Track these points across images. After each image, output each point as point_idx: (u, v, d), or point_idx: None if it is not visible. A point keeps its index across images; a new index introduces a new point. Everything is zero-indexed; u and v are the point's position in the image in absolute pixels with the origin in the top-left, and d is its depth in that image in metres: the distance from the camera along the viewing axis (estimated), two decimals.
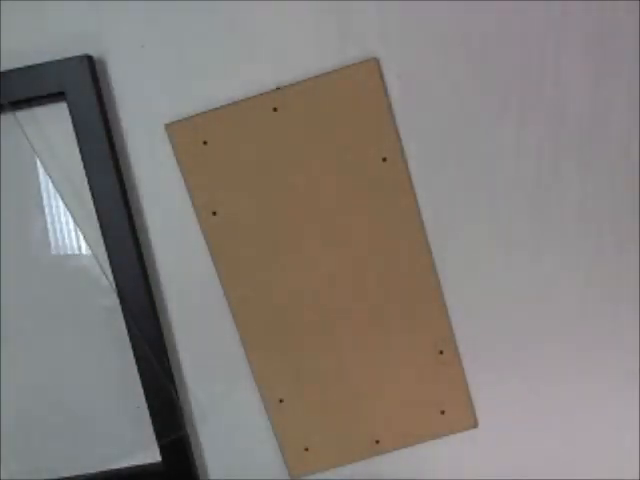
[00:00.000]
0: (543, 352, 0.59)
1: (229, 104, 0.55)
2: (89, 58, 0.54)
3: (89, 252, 0.58)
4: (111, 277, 0.57)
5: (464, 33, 0.54)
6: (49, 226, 0.59)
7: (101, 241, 0.56)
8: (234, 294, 0.58)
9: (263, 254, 0.57)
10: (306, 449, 0.60)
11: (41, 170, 0.58)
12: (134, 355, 0.57)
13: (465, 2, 0.54)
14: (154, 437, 0.59)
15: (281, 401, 0.59)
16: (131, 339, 0.57)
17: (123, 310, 0.57)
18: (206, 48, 0.55)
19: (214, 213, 0.56)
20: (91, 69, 0.54)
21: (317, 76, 0.54)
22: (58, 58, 0.54)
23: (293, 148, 0.55)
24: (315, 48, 0.55)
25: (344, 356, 0.58)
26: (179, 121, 0.55)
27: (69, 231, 0.59)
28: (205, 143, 0.55)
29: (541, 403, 0.60)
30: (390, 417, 0.59)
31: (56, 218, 0.59)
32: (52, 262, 0.59)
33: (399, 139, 0.55)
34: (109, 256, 0.56)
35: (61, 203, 0.58)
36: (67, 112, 0.55)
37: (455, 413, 0.59)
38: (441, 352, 0.58)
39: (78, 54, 0.54)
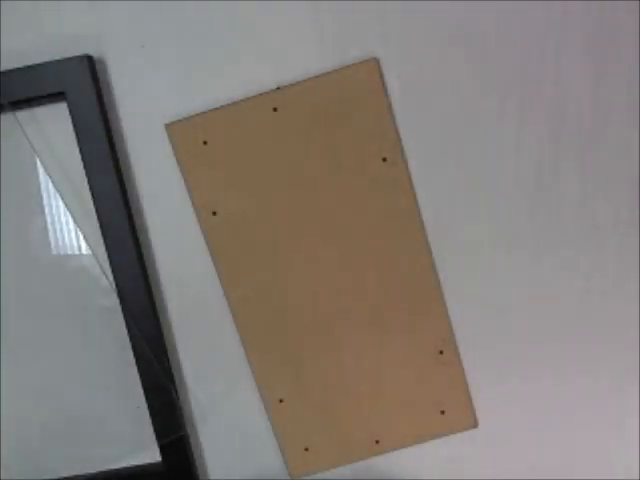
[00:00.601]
0: (543, 352, 0.59)
1: (229, 104, 0.55)
2: (89, 58, 0.54)
3: (89, 252, 0.58)
4: (111, 277, 0.57)
5: (464, 33, 0.54)
6: (49, 226, 0.59)
7: (101, 241, 0.56)
8: (234, 294, 0.58)
9: (263, 254, 0.57)
10: (306, 449, 0.60)
11: (41, 170, 0.58)
12: (134, 355, 0.57)
13: (465, 2, 0.54)
14: (154, 437, 0.59)
15: (281, 401, 0.59)
16: (131, 339, 0.57)
17: (123, 310, 0.57)
18: (206, 48, 0.55)
19: (214, 213, 0.56)
20: (91, 69, 0.54)
21: (317, 76, 0.54)
22: (58, 58, 0.54)
23: (293, 148, 0.55)
24: (315, 48, 0.55)
25: (344, 356, 0.58)
26: (179, 121, 0.55)
27: (69, 231, 0.59)
28: (205, 143, 0.55)
29: (541, 403, 0.60)
30: (390, 417, 0.59)
31: (56, 218, 0.59)
32: (52, 262, 0.59)
33: (399, 139, 0.55)
34: (109, 256, 0.56)
35: (61, 203, 0.58)
36: (67, 112, 0.55)
37: (455, 413, 0.59)
38: (441, 352, 0.58)
39: (78, 54, 0.54)
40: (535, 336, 0.59)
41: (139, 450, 0.61)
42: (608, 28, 0.53)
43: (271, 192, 0.56)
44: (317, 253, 0.57)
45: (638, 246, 0.57)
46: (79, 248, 0.59)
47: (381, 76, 0.54)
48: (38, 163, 0.57)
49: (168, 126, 0.55)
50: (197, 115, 0.55)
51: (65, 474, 0.62)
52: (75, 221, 0.58)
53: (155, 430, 0.58)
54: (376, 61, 0.54)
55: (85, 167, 0.55)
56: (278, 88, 0.55)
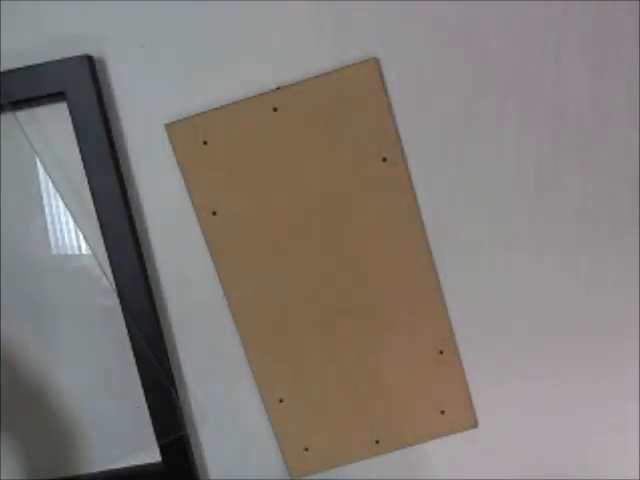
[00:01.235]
0: (543, 352, 0.59)
1: (229, 104, 0.55)
2: (89, 58, 0.54)
3: (89, 252, 0.58)
4: (111, 277, 0.57)
5: (464, 33, 0.54)
6: (49, 226, 0.59)
7: (101, 241, 0.56)
8: (234, 294, 0.58)
9: (263, 254, 0.57)
10: (306, 449, 0.60)
11: (41, 170, 0.58)
12: (134, 355, 0.57)
13: (465, 2, 0.54)
14: (154, 437, 0.59)
15: (281, 401, 0.59)
16: (131, 339, 0.57)
17: (123, 310, 0.57)
18: (206, 48, 0.55)
19: (214, 213, 0.56)
20: (91, 69, 0.54)
21: (317, 76, 0.54)
22: (58, 58, 0.54)
23: (293, 148, 0.55)
24: (315, 48, 0.55)
25: (344, 356, 0.58)
26: (179, 121, 0.55)
27: (69, 231, 0.59)
28: (205, 143, 0.55)
29: (541, 403, 0.60)
30: (390, 417, 0.59)
31: (56, 218, 0.59)
32: (52, 262, 0.59)
33: (399, 139, 0.55)
34: (109, 256, 0.56)
35: (61, 203, 0.58)
36: (67, 112, 0.55)
37: (455, 413, 0.59)
38: (441, 352, 0.58)
39: (78, 54, 0.54)
40: (535, 336, 0.59)
41: (139, 450, 0.61)
42: (608, 28, 0.53)
43: (271, 192, 0.56)
44: (317, 253, 0.57)
45: (638, 246, 0.57)
46: (79, 248, 0.59)
47: (381, 76, 0.54)
48: (38, 163, 0.57)
49: (168, 126, 0.55)
50: (197, 115, 0.55)
51: (65, 474, 0.62)
52: (75, 221, 0.58)
53: (155, 430, 0.58)
54: (376, 61, 0.54)
55: (85, 167, 0.55)
56: (278, 88, 0.55)
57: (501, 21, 0.54)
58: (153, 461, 0.61)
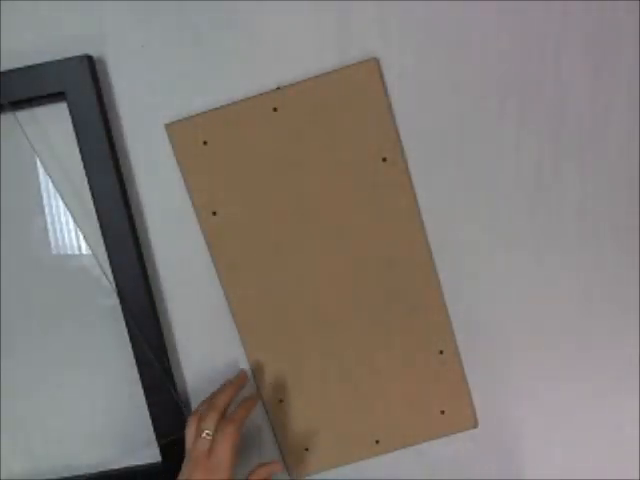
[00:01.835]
0: (543, 352, 0.59)
1: (229, 104, 0.55)
2: (89, 58, 0.54)
3: (89, 252, 0.58)
4: (111, 277, 0.57)
5: (464, 33, 0.54)
6: (49, 226, 0.59)
7: (101, 241, 0.56)
8: (234, 294, 0.58)
9: (263, 254, 0.57)
10: (306, 449, 0.60)
11: (41, 170, 0.58)
12: (134, 355, 0.57)
13: (465, 2, 0.54)
14: (154, 437, 0.59)
15: (281, 401, 0.59)
16: (131, 339, 0.57)
17: (123, 310, 0.57)
18: (206, 48, 0.55)
19: (214, 213, 0.56)
20: (91, 69, 0.54)
21: (317, 76, 0.54)
22: (58, 58, 0.54)
23: (293, 148, 0.55)
24: (315, 48, 0.55)
25: (344, 356, 0.58)
26: (179, 121, 0.55)
27: (69, 231, 0.59)
28: (205, 143, 0.55)
29: (541, 403, 0.60)
30: (390, 417, 0.59)
31: (56, 218, 0.59)
32: (52, 262, 0.59)
33: (399, 139, 0.55)
34: (109, 256, 0.56)
35: (61, 203, 0.58)
36: (67, 112, 0.55)
37: (455, 413, 0.59)
38: (441, 352, 0.58)
39: (78, 54, 0.54)
40: (535, 336, 0.59)
41: (139, 450, 0.61)
42: (608, 28, 0.53)
43: (271, 192, 0.56)
44: (317, 253, 0.57)
45: (638, 246, 0.57)
46: (79, 248, 0.59)
47: (381, 76, 0.54)
48: (38, 163, 0.57)
49: (168, 126, 0.55)
50: (197, 115, 0.55)
51: (65, 474, 0.62)
52: (75, 221, 0.58)
53: (155, 430, 0.58)
54: (376, 61, 0.54)
55: (85, 167, 0.55)
56: (278, 88, 0.55)
57: (501, 21, 0.54)
58: (153, 461, 0.61)
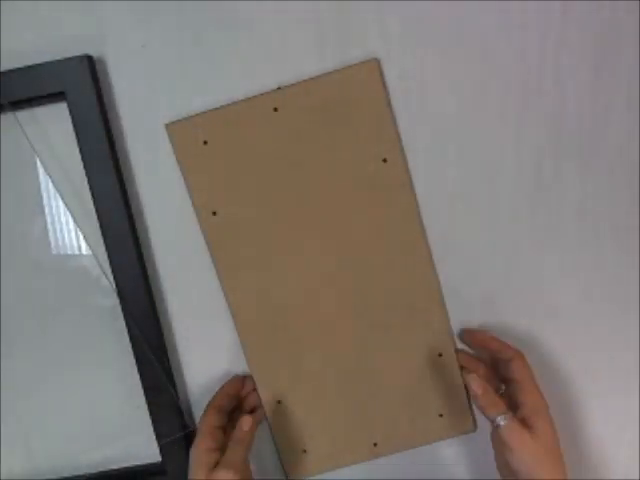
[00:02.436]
0: (543, 353, 0.59)
1: (229, 104, 0.55)
2: (89, 58, 0.54)
3: (89, 252, 0.58)
4: (111, 277, 0.57)
5: (464, 33, 0.54)
6: (49, 226, 0.59)
7: (101, 241, 0.56)
8: (234, 295, 0.58)
9: (263, 254, 0.57)
10: (304, 451, 0.60)
11: (41, 170, 0.58)
12: (134, 355, 0.57)
13: (465, 2, 0.54)
14: (154, 437, 0.59)
15: (279, 402, 0.59)
16: (131, 339, 0.57)
17: (123, 310, 0.57)
18: (206, 48, 0.55)
19: (214, 213, 0.56)
20: (91, 69, 0.54)
21: (318, 76, 0.54)
22: (58, 58, 0.54)
23: (293, 148, 0.55)
24: (315, 48, 0.55)
25: (343, 357, 0.58)
26: (179, 121, 0.55)
27: (69, 231, 0.59)
28: (205, 143, 0.55)
29: None
30: (388, 420, 0.59)
31: (56, 218, 0.59)
32: (52, 262, 0.59)
33: (399, 140, 0.55)
34: (109, 256, 0.56)
35: (61, 203, 0.58)
36: (67, 112, 0.55)
37: (454, 416, 0.59)
38: (440, 355, 0.58)
39: (78, 54, 0.54)
40: (535, 337, 0.59)
41: (139, 450, 0.61)
42: (608, 28, 0.53)
43: (271, 192, 0.56)
44: (317, 253, 0.57)
45: (638, 246, 0.57)
46: (79, 248, 0.59)
47: (381, 76, 0.54)
48: (38, 163, 0.57)
49: (168, 126, 0.55)
50: (197, 115, 0.55)
51: (65, 474, 0.62)
52: (75, 221, 0.58)
53: (155, 430, 0.58)
54: (377, 61, 0.54)
55: (85, 167, 0.55)
56: (279, 88, 0.55)
57: (501, 21, 0.54)
58: (153, 461, 0.61)
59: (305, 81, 0.54)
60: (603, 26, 0.53)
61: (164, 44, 0.55)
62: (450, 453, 0.61)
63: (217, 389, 0.57)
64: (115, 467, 0.62)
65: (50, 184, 0.58)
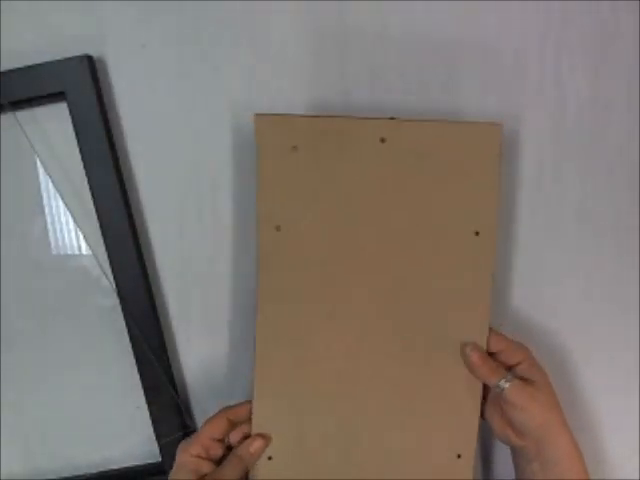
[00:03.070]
0: (543, 353, 0.59)
1: (334, 115, 0.50)
2: (89, 58, 0.54)
3: (89, 252, 0.58)
4: (111, 277, 0.57)
5: (464, 33, 0.54)
6: (49, 226, 0.59)
7: (101, 241, 0.56)
8: (265, 328, 0.51)
9: (313, 289, 0.50)
10: None
11: (41, 170, 0.58)
12: (134, 355, 0.57)
13: (465, 2, 0.54)
14: (154, 437, 0.59)
15: (270, 459, 0.52)
16: (131, 339, 0.57)
17: (123, 310, 0.57)
18: (206, 48, 0.55)
19: (277, 228, 0.50)
20: (91, 69, 0.54)
21: (435, 120, 0.50)
22: (58, 58, 0.54)
23: (386, 185, 0.50)
24: (315, 48, 0.54)
25: (368, 396, 0.52)
26: (271, 115, 0.49)
27: (69, 231, 0.59)
28: (294, 148, 0.49)
29: None
30: (405, 458, 0.52)
31: (56, 218, 0.59)
32: (52, 262, 0.59)
33: (496, 215, 0.51)
34: (109, 256, 0.56)
35: (61, 203, 0.58)
36: (67, 112, 0.55)
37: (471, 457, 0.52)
38: (459, 456, 0.52)
39: (78, 54, 0.54)
40: (535, 337, 0.59)
41: (139, 450, 0.61)
42: (608, 28, 0.54)
43: (346, 222, 0.50)
44: (371, 299, 0.51)
45: (638, 246, 0.57)
46: (79, 248, 0.59)
47: (500, 144, 0.50)
48: (38, 163, 0.57)
49: (257, 117, 0.49)
50: (293, 116, 0.50)
51: (65, 474, 0.62)
52: (75, 221, 0.58)
53: (155, 430, 0.58)
54: (500, 127, 0.50)
55: (85, 167, 0.55)
56: (392, 118, 0.50)
57: (501, 21, 0.54)
58: (153, 461, 0.61)
59: (421, 121, 0.50)
60: (603, 26, 0.53)
61: (164, 44, 0.55)
62: None
63: (235, 402, 0.53)
64: (115, 467, 0.62)
65: (50, 184, 0.58)
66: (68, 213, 0.58)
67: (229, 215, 0.57)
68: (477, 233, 0.50)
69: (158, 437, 0.59)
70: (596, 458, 0.61)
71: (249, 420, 0.51)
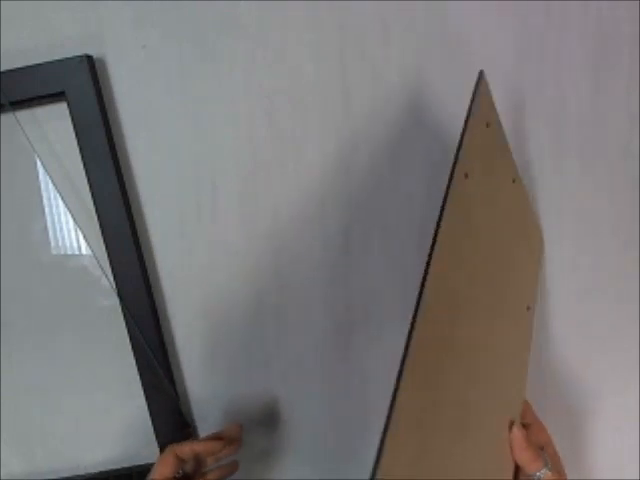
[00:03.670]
0: (542, 353, 0.59)
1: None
2: (89, 58, 0.54)
3: (89, 252, 0.58)
4: (111, 277, 0.57)
5: (464, 33, 0.54)
6: (49, 226, 0.59)
7: (101, 241, 0.56)
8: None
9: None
10: None
11: (41, 170, 0.58)
12: (134, 355, 0.57)
13: (464, 2, 0.54)
14: (154, 437, 0.59)
15: None
16: (131, 339, 0.57)
17: (123, 310, 0.57)
18: (206, 48, 0.55)
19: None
20: (91, 69, 0.54)
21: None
22: (58, 58, 0.54)
23: (475, 222, 0.43)
24: (315, 48, 0.55)
25: None
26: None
27: (69, 231, 0.59)
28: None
29: (541, 403, 0.60)
30: None
31: (56, 218, 0.59)
32: (52, 262, 0.59)
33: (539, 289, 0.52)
34: (109, 256, 0.56)
35: (61, 203, 0.58)
36: (67, 112, 0.55)
37: None
38: None
39: (78, 54, 0.54)
40: (535, 337, 0.59)
41: (139, 450, 0.61)
42: (608, 28, 0.54)
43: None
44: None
45: (638, 246, 0.57)
46: (79, 248, 0.59)
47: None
48: (38, 163, 0.57)
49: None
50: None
51: (65, 474, 0.62)
52: (75, 221, 0.58)
53: (155, 430, 0.58)
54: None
55: (85, 167, 0.55)
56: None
57: (501, 21, 0.54)
58: (153, 461, 0.61)
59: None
60: (603, 26, 0.53)
61: (164, 44, 0.55)
62: None
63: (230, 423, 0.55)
64: (115, 467, 0.62)
65: (50, 184, 0.58)
66: (68, 213, 0.58)
67: (229, 215, 0.57)
68: (528, 308, 0.52)
69: (158, 437, 0.59)
70: (596, 458, 0.61)
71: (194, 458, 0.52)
